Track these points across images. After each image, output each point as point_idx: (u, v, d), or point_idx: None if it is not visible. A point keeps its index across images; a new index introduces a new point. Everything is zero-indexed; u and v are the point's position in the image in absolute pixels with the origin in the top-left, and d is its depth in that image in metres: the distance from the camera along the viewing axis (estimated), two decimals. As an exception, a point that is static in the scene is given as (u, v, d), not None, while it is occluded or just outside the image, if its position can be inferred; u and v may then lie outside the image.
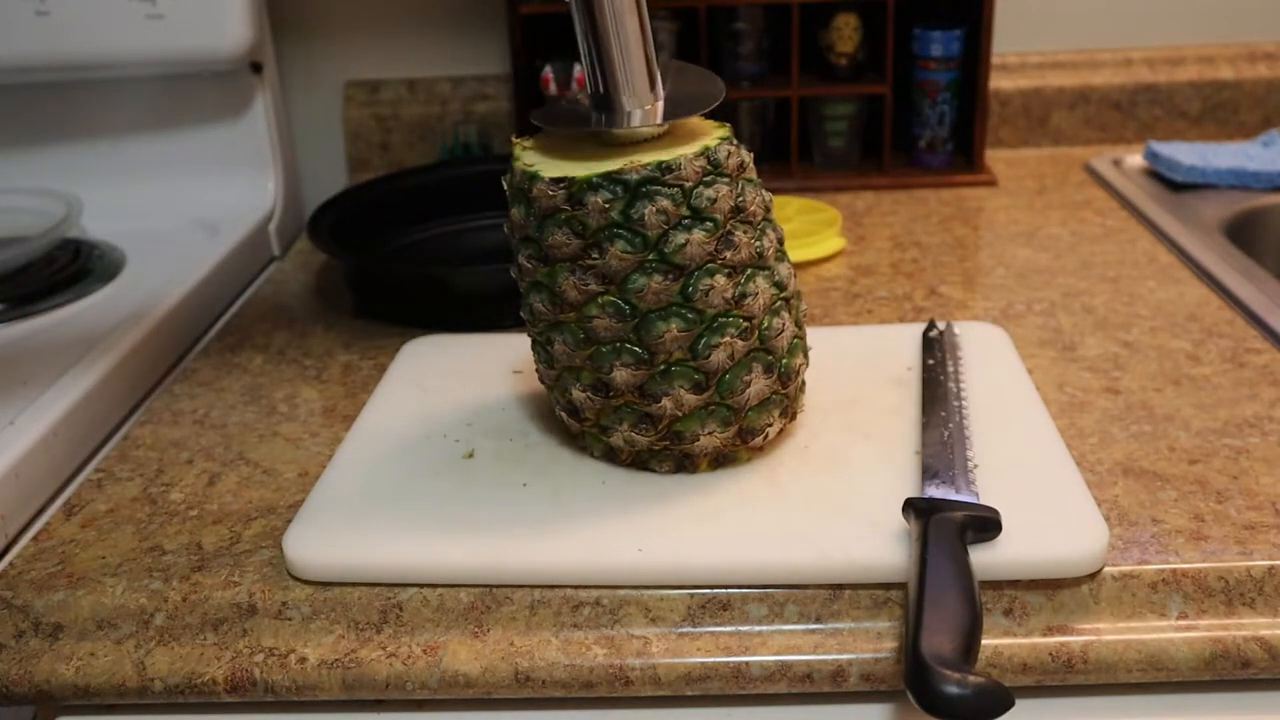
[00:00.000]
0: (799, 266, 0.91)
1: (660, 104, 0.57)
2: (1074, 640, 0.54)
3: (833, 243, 0.94)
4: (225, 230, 1.01)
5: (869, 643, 0.54)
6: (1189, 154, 1.07)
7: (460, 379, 0.72)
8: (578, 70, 1.05)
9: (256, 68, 1.05)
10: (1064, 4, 1.20)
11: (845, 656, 0.54)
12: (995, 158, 1.19)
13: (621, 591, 0.55)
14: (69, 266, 0.93)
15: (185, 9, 0.96)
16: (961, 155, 1.15)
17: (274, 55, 1.10)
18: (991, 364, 0.71)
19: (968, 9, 1.08)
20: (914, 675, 0.45)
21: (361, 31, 1.21)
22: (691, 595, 0.55)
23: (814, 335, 0.67)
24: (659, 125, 0.58)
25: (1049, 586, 0.54)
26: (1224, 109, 1.20)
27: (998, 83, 1.19)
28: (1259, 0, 1.20)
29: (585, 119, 0.58)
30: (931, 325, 0.75)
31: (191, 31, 0.97)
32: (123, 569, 0.59)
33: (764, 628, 0.54)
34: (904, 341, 0.74)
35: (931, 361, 0.70)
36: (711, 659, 0.54)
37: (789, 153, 1.13)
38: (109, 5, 0.96)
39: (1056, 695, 0.55)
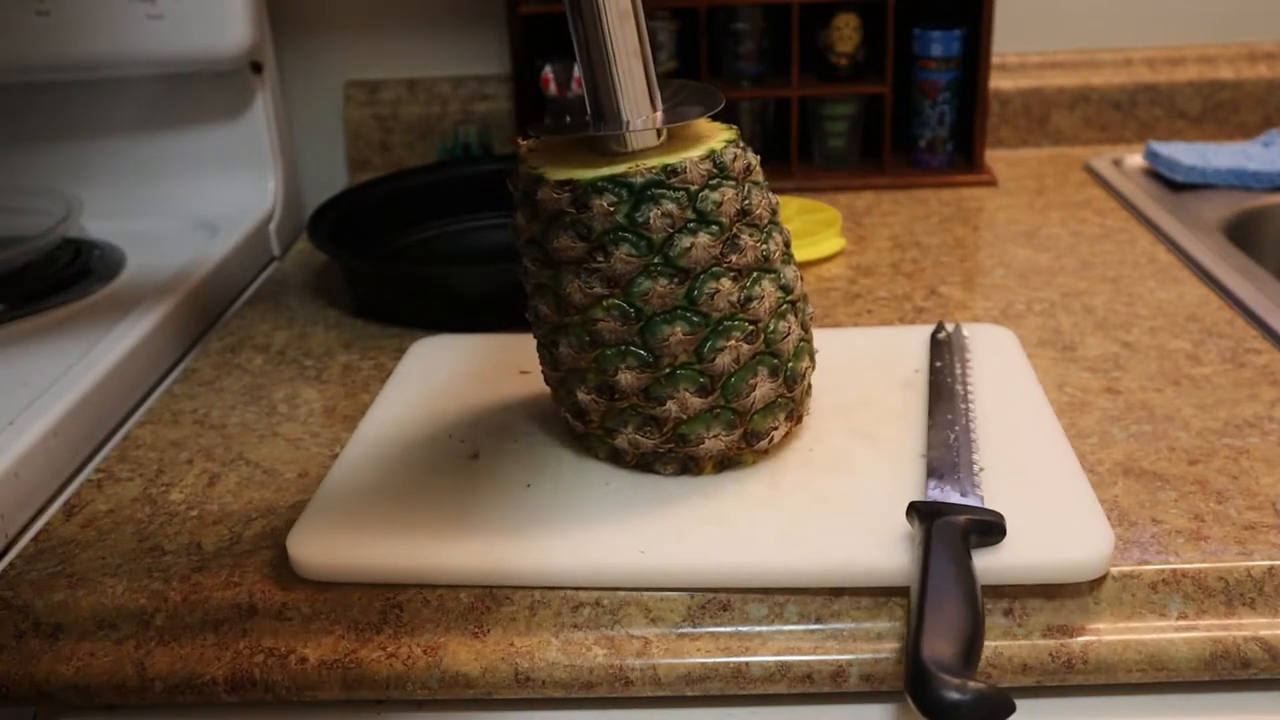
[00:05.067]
0: (798, 266, 0.91)
1: (660, 114, 0.57)
2: (1074, 641, 0.54)
3: (833, 243, 0.95)
4: (225, 230, 1.00)
5: (869, 643, 0.54)
6: (1189, 154, 1.07)
7: (467, 379, 0.72)
8: (578, 70, 1.05)
9: (256, 68, 1.05)
10: (1064, 4, 1.20)
11: (845, 657, 0.54)
12: (995, 158, 1.19)
13: (621, 592, 0.55)
14: (69, 266, 0.93)
15: (185, 9, 0.96)
16: (961, 155, 1.15)
17: (274, 55, 1.10)
18: (1000, 366, 0.70)
19: (968, 9, 1.08)
20: (914, 680, 0.45)
21: (361, 31, 1.21)
22: (691, 596, 0.55)
23: (821, 337, 0.67)
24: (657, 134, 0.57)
25: (1049, 587, 0.54)
26: (1224, 109, 1.20)
27: (998, 83, 1.19)
28: (1259, 0, 1.20)
29: (583, 128, 0.57)
30: (940, 327, 0.75)
31: (191, 31, 0.97)
32: (123, 569, 0.59)
33: (764, 628, 0.54)
34: (912, 343, 0.74)
35: (939, 364, 0.70)
36: (711, 659, 0.54)
37: (789, 153, 1.13)
38: (109, 5, 0.96)
39: (1056, 695, 0.55)
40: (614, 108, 0.56)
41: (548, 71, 1.06)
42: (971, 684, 0.44)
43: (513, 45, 1.10)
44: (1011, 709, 0.44)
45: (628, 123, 0.56)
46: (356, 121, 1.21)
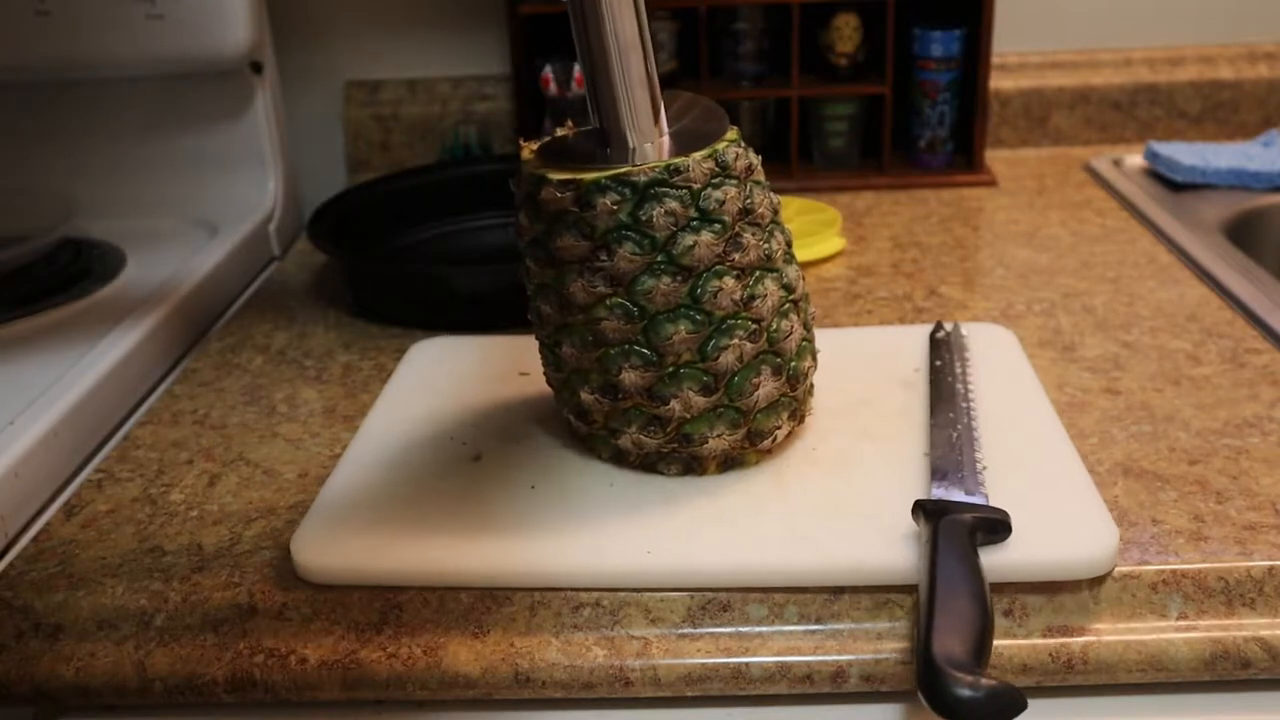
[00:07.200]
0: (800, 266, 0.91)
1: (666, 139, 0.57)
2: (1074, 641, 0.54)
3: (833, 243, 0.94)
4: (225, 230, 1.00)
5: (869, 644, 0.54)
6: (1189, 154, 1.07)
7: (468, 380, 0.72)
8: (578, 70, 1.05)
9: (256, 68, 1.05)
10: (1064, 4, 1.20)
11: (845, 658, 0.54)
12: (995, 158, 1.19)
13: (622, 593, 0.55)
14: (69, 266, 0.93)
15: (185, 9, 0.96)
16: (961, 155, 1.14)
17: (274, 55, 1.10)
18: (1000, 365, 0.70)
19: (968, 9, 1.08)
20: (926, 678, 0.45)
21: (361, 31, 1.21)
22: (691, 596, 0.55)
23: (821, 337, 0.67)
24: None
25: (1049, 587, 0.54)
26: (1224, 109, 1.20)
27: (998, 83, 1.19)
28: (1259, 0, 1.20)
29: (590, 154, 0.58)
30: (939, 327, 0.75)
31: (191, 31, 0.97)
32: (123, 569, 0.59)
33: (764, 629, 0.54)
34: (911, 343, 0.74)
35: (939, 363, 0.70)
36: (711, 660, 0.54)
37: (789, 153, 1.13)
38: (109, 5, 0.96)
39: (1057, 695, 0.55)
40: (620, 134, 0.56)
41: (548, 71, 1.06)
42: (983, 680, 0.44)
43: (513, 45, 1.10)
44: (1023, 705, 0.44)
45: (634, 150, 0.56)
46: (356, 121, 1.21)
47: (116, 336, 0.80)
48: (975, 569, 0.50)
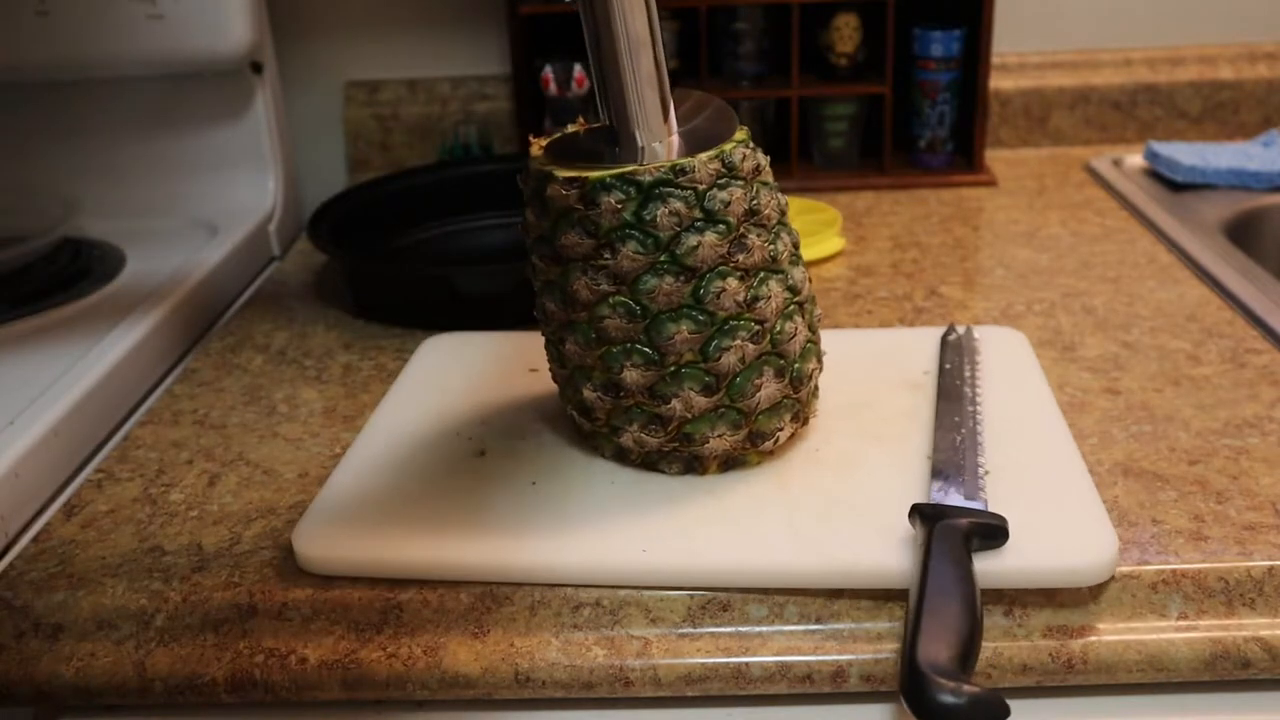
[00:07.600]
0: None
1: (675, 139, 0.57)
2: (1074, 641, 0.54)
3: (833, 243, 0.94)
4: (225, 230, 1.00)
5: (869, 643, 0.54)
6: (1189, 154, 1.07)
7: (477, 377, 0.73)
8: (578, 70, 1.06)
9: (256, 68, 1.05)
10: (1064, 4, 1.20)
11: (845, 657, 0.54)
12: (995, 158, 1.19)
13: (622, 592, 0.55)
14: (69, 266, 0.93)
15: (185, 9, 0.96)
16: (961, 155, 1.15)
17: (274, 55, 1.10)
18: (1010, 369, 0.70)
19: (968, 9, 1.08)
20: (909, 683, 0.45)
21: (361, 31, 1.21)
22: (691, 596, 0.55)
23: (828, 338, 0.67)
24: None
25: (1050, 588, 0.54)
26: (1224, 109, 1.20)
27: (998, 83, 1.19)
28: (1259, 0, 1.20)
29: (599, 152, 0.58)
30: (950, 329, 0.75)
31: (191, 31, 0.97)
32: (123, 569, 0.59)
33: (764, 628, 0.54)
34: (921, 345, 0.74)
35: (949, 365, 0.70)
36: (711, 660, 0.54)
37: (789, 153, 1.13)
38: (109, 5, 0.96)
39: (1056, 696, 0.55)
40: (629, 133, 0.56)
41: (548, 71, 1.06)
42: (966, 687, 0.44)
43: (513, 45, 1.10)
44: (1006, 712, 0.44)
45: (643, 149, 0.56)
46: (356, 121, 1.21)
47: (116, 336, 0.80)
48: (967, 574, 0.50)
